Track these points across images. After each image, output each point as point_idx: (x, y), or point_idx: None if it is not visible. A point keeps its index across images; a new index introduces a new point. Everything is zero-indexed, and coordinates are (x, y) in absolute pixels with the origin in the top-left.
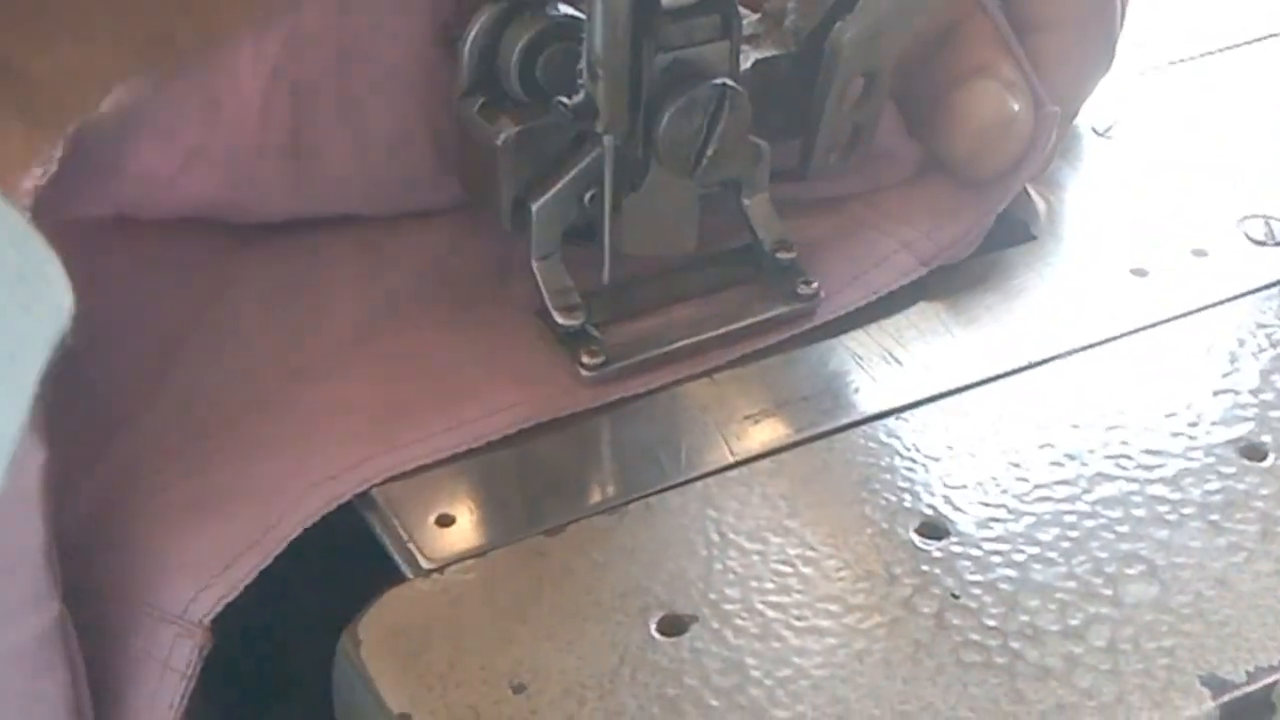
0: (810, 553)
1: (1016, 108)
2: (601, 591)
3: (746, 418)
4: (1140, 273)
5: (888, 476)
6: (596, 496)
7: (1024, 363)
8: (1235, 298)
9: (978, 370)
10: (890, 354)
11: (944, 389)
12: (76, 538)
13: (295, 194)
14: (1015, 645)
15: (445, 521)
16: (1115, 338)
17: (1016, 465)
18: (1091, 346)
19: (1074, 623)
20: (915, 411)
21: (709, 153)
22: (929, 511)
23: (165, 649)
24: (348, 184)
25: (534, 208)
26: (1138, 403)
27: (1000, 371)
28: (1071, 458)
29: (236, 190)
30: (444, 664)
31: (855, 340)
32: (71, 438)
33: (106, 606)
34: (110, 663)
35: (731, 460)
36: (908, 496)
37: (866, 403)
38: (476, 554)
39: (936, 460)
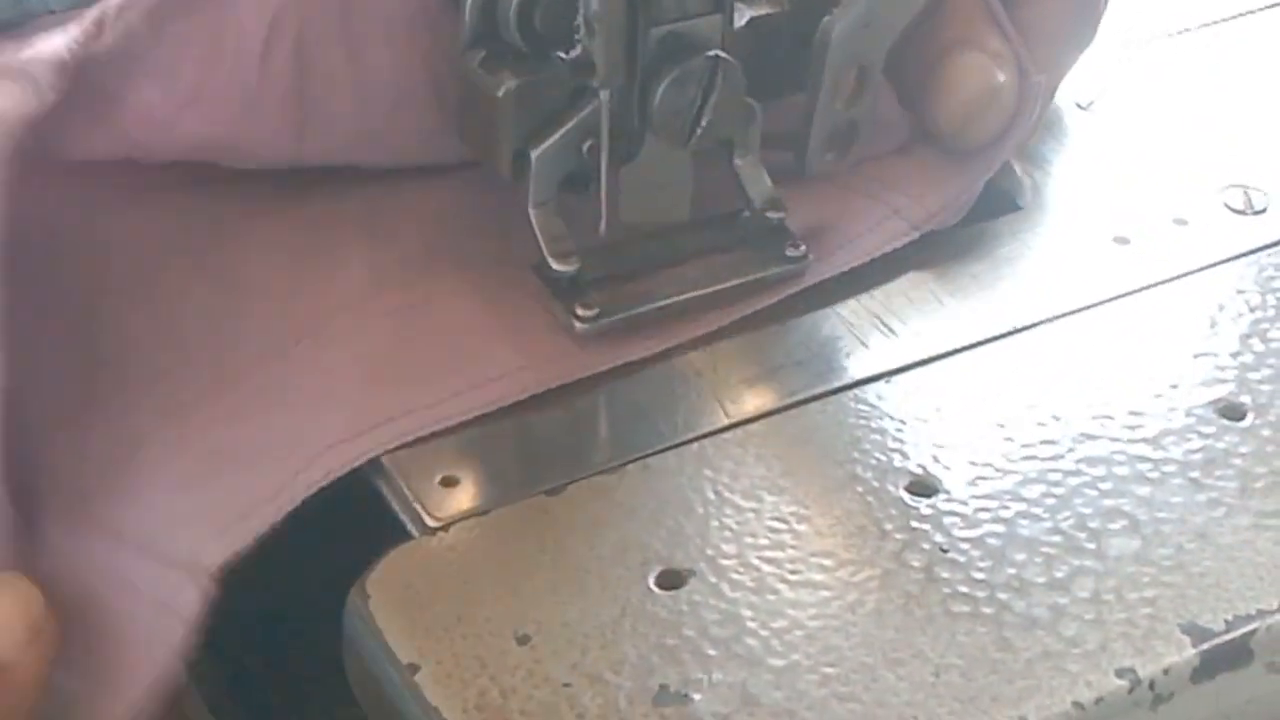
0: (803, 510)
1: (1002, 78)
2: (602, 547)
3: (741, 381)
4: (1122, 241)
5: (878, 437)
6: (596, 457)
7: (1010, 328)
8: (1215, 265)
9: (965, 335)
10: (881, 320)
11: (932, 353)
12: (87, 479)
13: (297, 140)
14: (1002, 596)
15: (450, 482)
16: (1098, 303)
17: (1003, 426)
18: (1075, 312)
19: (1059, 575)
20: (905, 375)
21: (703, 123)
22: (918, 470)
23: (172, 593)
24: (350, 133)
25: (533, 155)
26: (1120, 366)
27: (987, 337)
28: (1056, 418)
29: (237, 134)
30: (450, 617)
31: (847, 308)
32: (83, 378)
33: (116, 549)
34: (116, 605)
35: (726, 422)
36: (897, 456)
37: (857, 367)
38: (480, 513)
39: (925, 422)
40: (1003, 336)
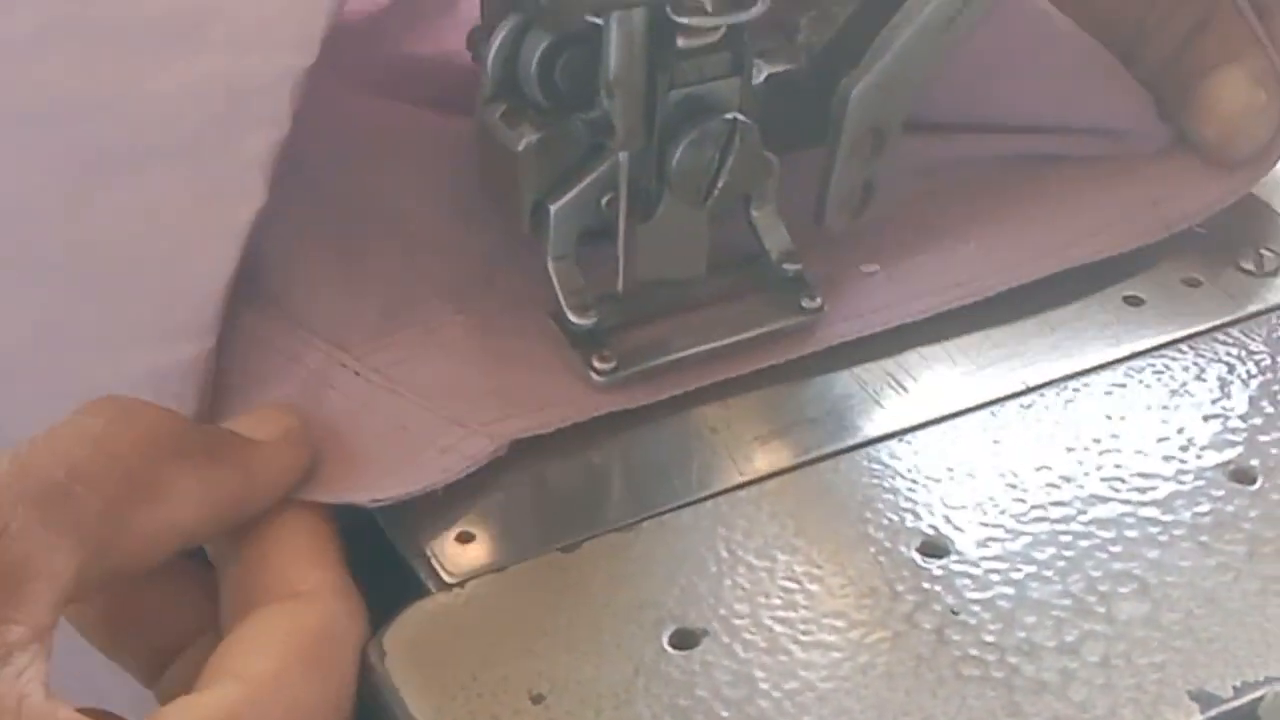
0: (816, 570)
1: (1264, 96)
2: (617, 605)
3: (755, 439)
4: (1135, 301)
5: (890, 497)
6: (611, 514)
7: (1021, 386)
8: (1227, 325)
9: (977, 395)
10: (893, 378)
11: (945, 412)
12: (359, 332)
13: None
14: (1012, 660)
15: (465, 538)
16: (1110, 364)
17: (1014, 486)
18: (1087, 372)
19: (1069, 639)
20: (916, 434)
21: (720, 184)
22: (930, 531)
23: (457, 441)
24: None
25: (552, 209)
26: (1131, 427)
27: (999, 396)
28: (1067, 480)
29: None
30: (466, 674)
31: (860, 365)
32: (355, 245)
33: (394, 399)
34: (391, 446)
35: (740, 480)
36: (909, 516)
37: (870, 426)
38: (496, 569)
39: (937, 481)
40: (1015, 396)
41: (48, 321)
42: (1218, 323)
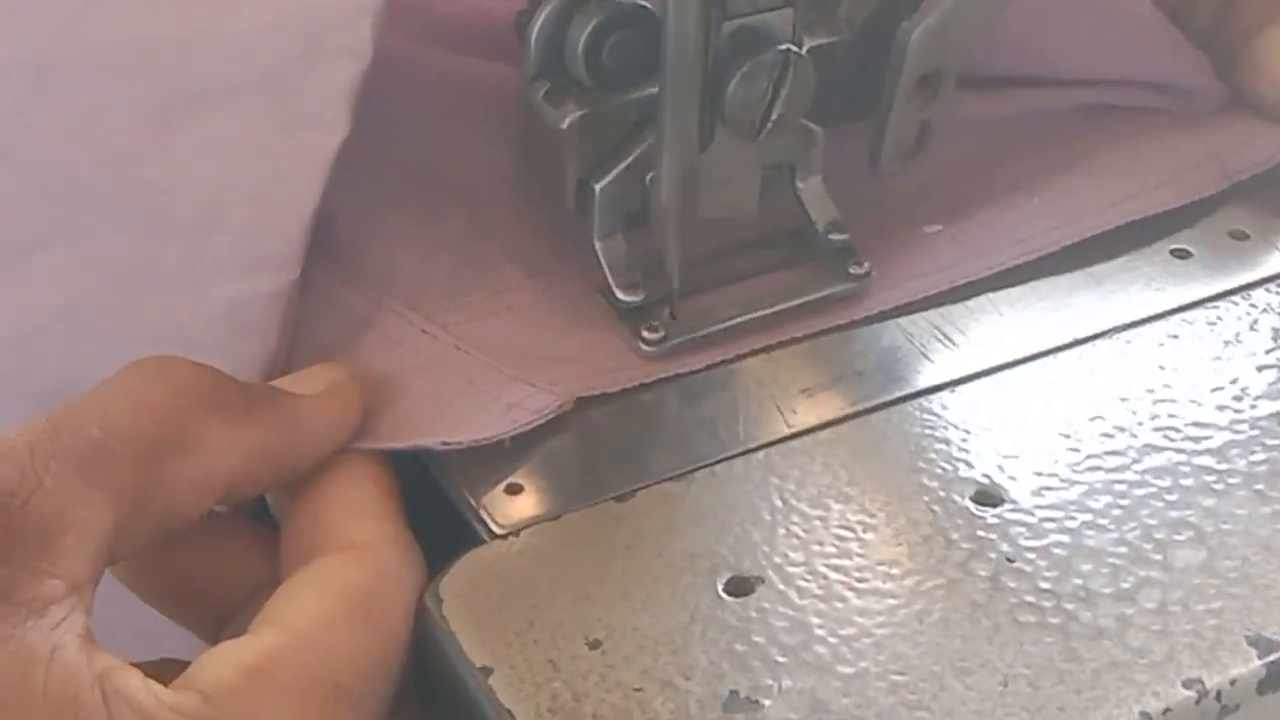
0: (869, 518)
1: None
2: (671, 554)
3: (803, 391)
4: (1183, 254)
5: (943, 447)
6: (662, 465)
7: (1070, 339)
8: (1277, 278)
9: (1026, 347)
10: (940, 331)
11: (994, 364)
12: (432, 293)
13: None
14: (1069, 607)
15: (515, 489)
16: (1162, 314)
17: (1067, 436)
18: (1138, 323)
19: (1125, 586)
20: (968, 386)
21: (773, 117)
22: (984, 480)
23: (524, 398)
24: None
25: (598, 188)
26: (1184, 378)
27: (1049, 347)
28: (1121, 429)
29: None
30: (522, 621)
31: (907, 319)
32: (431, 209)
33: (457, 355)
34: (454, 399)
35: (789, 432)
36: (963, 466)
37: (920, 377)
38: (550, 518)
39: (989, 432)
40: (1065, 348)
41: (126, 263)
42: (1268, 274)
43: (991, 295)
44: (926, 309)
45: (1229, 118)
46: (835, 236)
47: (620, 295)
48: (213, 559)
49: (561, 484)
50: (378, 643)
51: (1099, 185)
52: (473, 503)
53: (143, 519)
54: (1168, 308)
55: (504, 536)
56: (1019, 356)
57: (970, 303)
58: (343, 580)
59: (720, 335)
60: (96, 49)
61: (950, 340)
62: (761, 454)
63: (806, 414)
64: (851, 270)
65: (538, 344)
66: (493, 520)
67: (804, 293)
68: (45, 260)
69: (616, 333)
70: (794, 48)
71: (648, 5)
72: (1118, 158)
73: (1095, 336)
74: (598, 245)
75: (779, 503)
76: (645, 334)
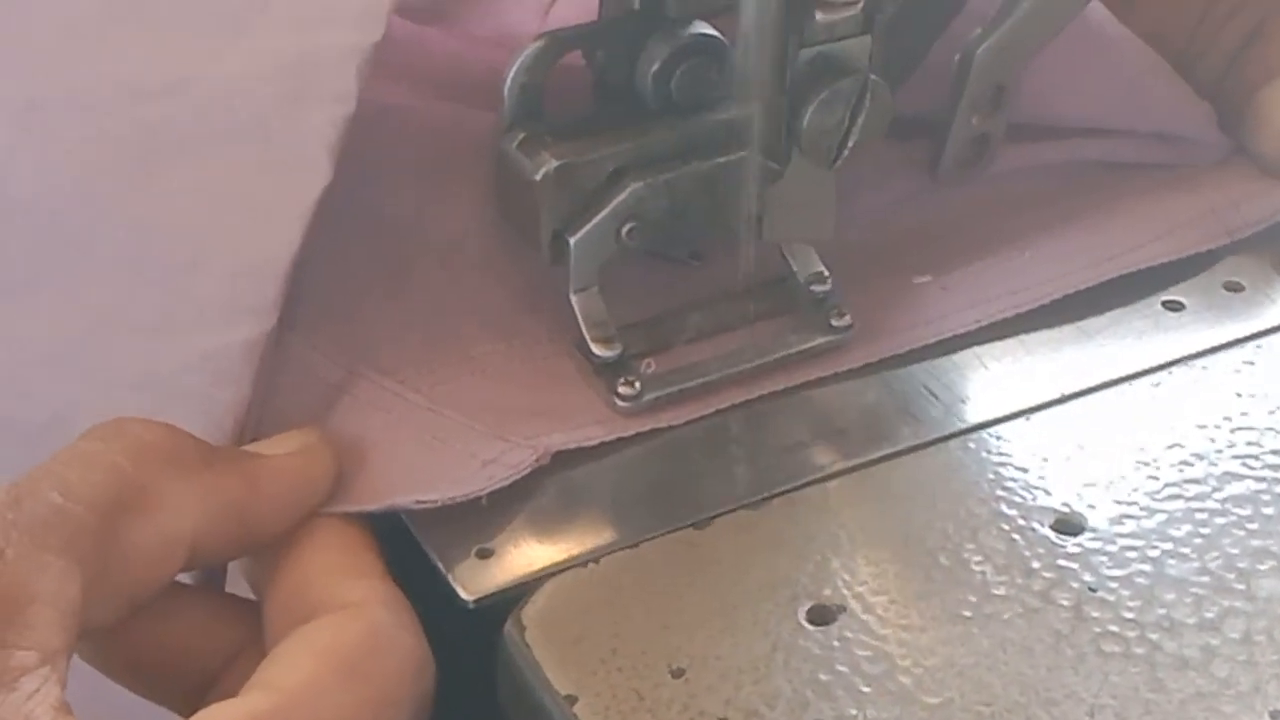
0: (950, 547)
1: None
2: (750, 582)
3: (784, 449)
4: (1175, 306)
5: (1022, 475)
6: (737, 492)
7: (1095, 383)
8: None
9: (1052, 391)
10: (927, 387)
11: (1074, 390)
12: (405, 350)
13: None
14: (1153, 636)
15: (485, 554)
16: (1236, 342)
17: (1146, 465)
18: (1213, 351)
19: (1209, 615)
20: (1046, 413)
21: (850, 144)
22: (1063, 509)
23: (502, 454)
24: None
25: (572, 241)
26: (1263, 405)
27: (1074, 392)
28: (1200, 458)
29: None
30: (605, 649)
31: (892, 373)
32: (399, 263)
33: (432, 416)
34: (429, 458)
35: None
36: (1041, 494)
37: (995, 404)
38: (628, 546)
39: (1068, 460)
40: (1142, 374)
41: (108, 306)
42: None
43: (978, 349)
44: (913, 363)
45: (1230, 173)
46: (817, 288)
47: (595, 350)
48: (181, 630)
49: (533, 547)
50: (368, 702)
51: (1094, 239)
52: (442, 568)
53: (109, 584)
54: (1159, 361)
55: (585, 563)
56: (1099, 382)
57: (956, 356)
58: (335, 639)
59: (699, 390)
60: (82, 91)
61: (935, 395)
62: (837, 481)
63: (787, 470)
64: (833, 323)
65: (512, 402)
66: (462, 587)
67: (785, 346)
68: (31, 302)
69: (593, 387)
70: (872, 75)
71: (717, 34)
72: (1116, 211)
73: (1170, 363)
74: (573, 299)
75: (857, 530)
76: (621, 389)
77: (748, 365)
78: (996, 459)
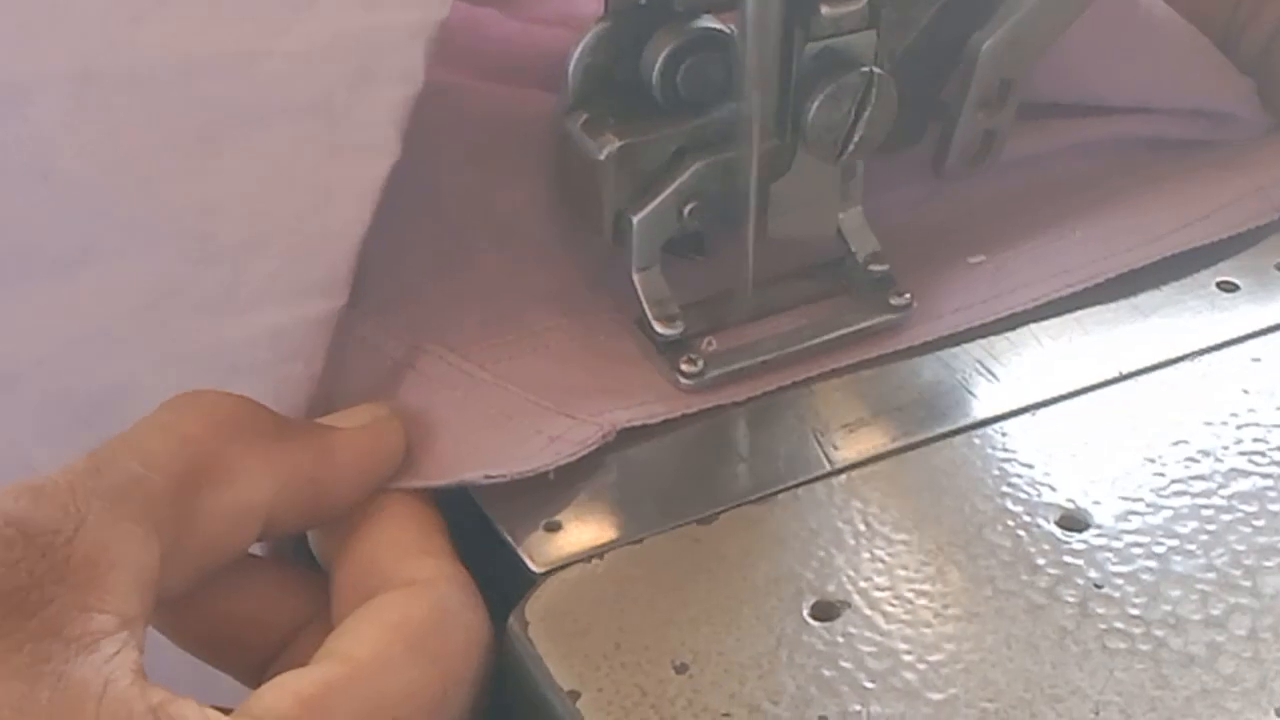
0: (954, 543)
1: None
2: (755, 577)
3: (844, 426)
4: (1229, 286)
5: (1026, 471)
6: (743, 487)
7: (1151, 363)
8: None
9: (1109, 370)
10: (983, 365)
11: (1076, 388)
12: (466, 330)
13: None
14: (1159, 633)
15: (553, 527)
16: (1242, 338)
17: (1152, 461)
18: (1218, 347)
19: (1215, 612)
20: (1050, 409)
21: (855, 139)
22: (1068, 505)
23: (567, 430)
24: None
25: (635, 220)
26: (1270, 402)
27: (1130, 371)
28: (1206, 454)
29: None
30: (608, 644)
31: (948, 352)
32: (462, 249)
33: (498, 391)
34: (495, 435)
35: (830, 468)
36: (1046, 490)
37: (1002, 399)
38: (631, 542)
39: (1073, 456)
40: (1145, 371)
41: (168, 281)
42: None
43: (1034, 327)
44: (968, 341)
45: (1275, 150)
46: (875, 268)
47: (658, 329)
48: (250, 601)
49: (601, 521)
50: (437, 675)
51: (1143, 218)
52: (511, 542)
53: (184, 553)
54: (1214, 341)
55: (588, 559)
56: (1102, 379)
57: (1012, 335)
58: (404, 614)
59: (759, 368)
60: (144, 65)
61: (992, 374)
62: (843, 477)
63: (847, 449)
64: (892, 301)
65: (576, 379)
66: (531, 559)
67: (844, 324)
68: (85, 276)
69: (655, 366)
70: (877, 70)
71: (723, 28)
72: (1162, 190)
73: (1178, 359)
74: (635, 278)
75: (862, 526)
76: (683, 367)
77: (807, 343)
78: (1002, 455)
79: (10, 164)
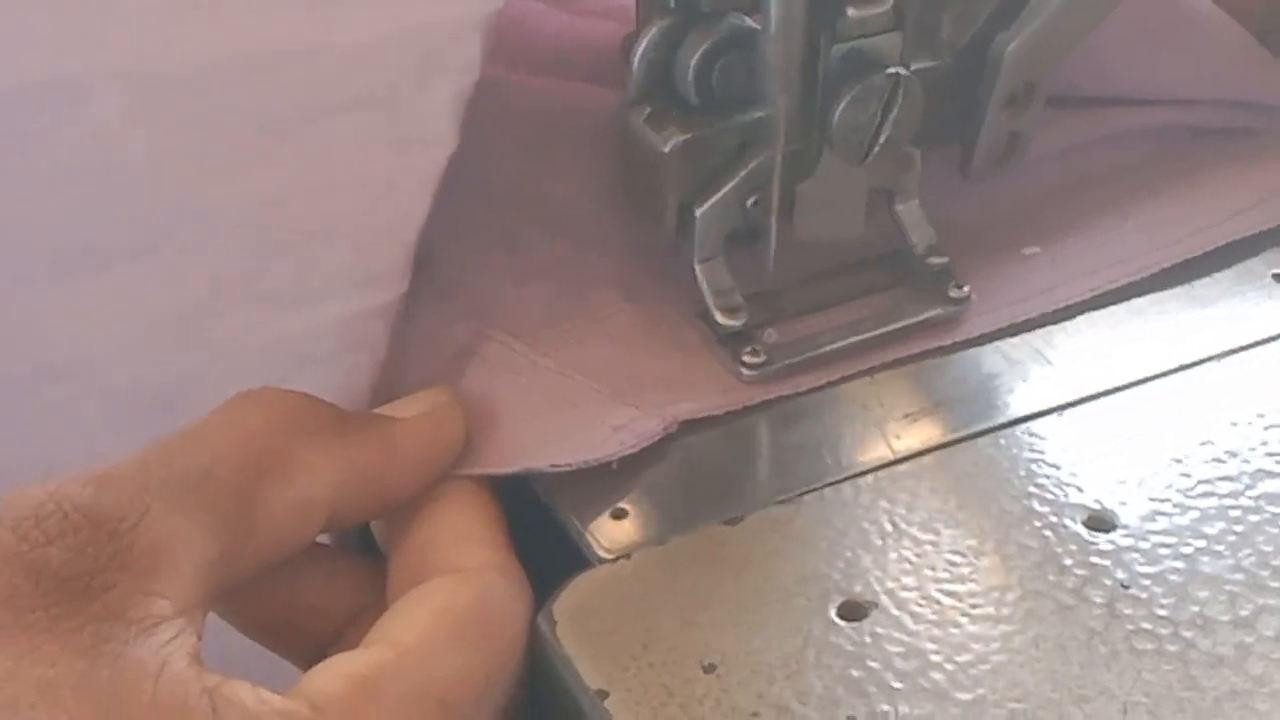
0: (981, 543)
1: None
2: (781, 578)
3: (906, 415)
4: None
5: (1052, 472)
6: (768, 489)
7: (1177, 364)
8: None
9: (1130, 372)
10: (1042, 355)
11: (1101, 389)
12: (530, 319)
13: None
14: (1187, 634)
15: (620, 514)
16: (1269, 339)
17: (1178, 461)
18: (1245, 348)
19: (1244, 613)
20: (1076, 410)
21: (881, 140)
22: (1095, 505)
23: (631, 421)
24: None
25: (699, 212)
26: None
27: (1156, 372)
28: (1232, 454)
29: None
30: (636, 644)
31: (1008, 343)
32: (524, 237)
33: (562, 380)
34: (556, 421)
35: (894, 456)
36: (1073, 491)
37: (1025, 402)
38: (657, 542)
39: (1100, 457)
40: (1171, 372)
41: (232, 275)
42: None
43: (1092, 316)
44: (1026, 331)
45: None
46: (934, 260)
47: (721, 320)
48: (312, 588)
49: (666, 508)
50: (481, 663)
51: (1190, 207)
52: (580, 527)
53: (247, 546)
54: (1274, 332)
55: (613, 560)
56: (1124, 381)
57: (1070, 325)
58: (450, 600)
59: (821, 359)
60: (206, 61)
61: (1051, 364)
62: (870, 478)
63: (911, 438)
64: (951, 293)
65: (639, 368)
66: (599, 545)
67: (904, 316)
68: (149, 269)
69: (717, 357)
70: (903, 71)
71: (758, 27)
72: (1208, 178)
73: (1202, 361)
74: (698, 269)
75: (889, 527)
76: (746, 358)
77: (867, 335)
78: (1028, 455)
79: (72, 160)
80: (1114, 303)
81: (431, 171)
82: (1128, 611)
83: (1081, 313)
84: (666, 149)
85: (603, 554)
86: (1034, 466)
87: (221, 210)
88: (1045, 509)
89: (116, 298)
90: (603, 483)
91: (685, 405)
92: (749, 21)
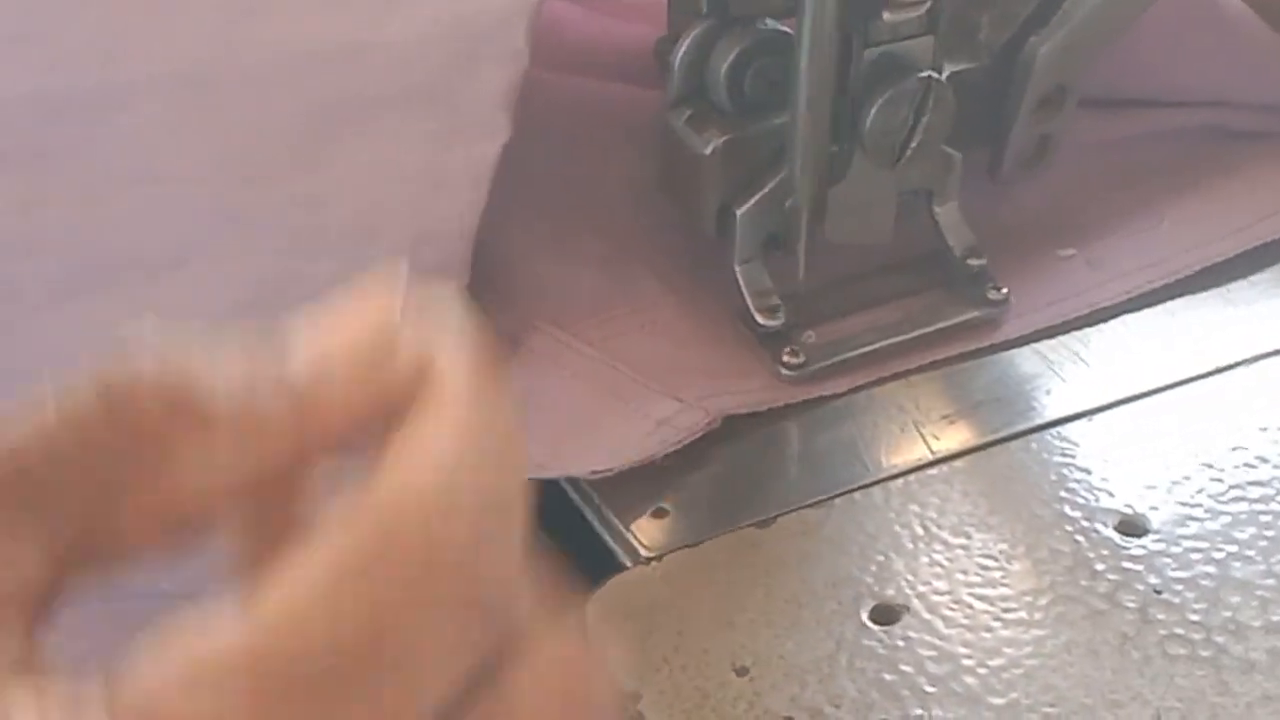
0: (1012, 547)
1: None
2: (814, 581)
3: (944, 417)
4: None
5: (1084, 476)
6: (801, 492)
7: (1210, 368)
8: None
9: (1165, 375)
10: (1079, 357)
11: (1133, 393)
12: (575, 303)
13: None
14: (1219, 639)
15: (660, 514)
16: None
17: (1210, 466)
18: (1276, 352)
19: (1275, 619)
20: (1107, 414)
21: (913, 144)
22: (1127, 510)
23: (673, 415)
24: None
25: (739, 213)
26: None
27: (1188, 376)
28: (1264, 460)
29: None
30: (668, 646)
31: (1045, 345)
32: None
33: (606, 369)
34: (599, 412)
35: (930, 458)
36: (1104, 495)
37: (1058, 406)
38: (690, 544)
39: (1131, 462)
40: (1202, 377)
41: (281, 277)
42: None
43: (1128, 318)
44: (1063, 333)
45: None
46: (973, 261)
47: (759, 320)
48: None
49: (705, 508)
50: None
51: (1224, 207)
52: (621, 527)
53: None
54: None
55: (646, 561)
56: (1157, 385)
57: (1105, 327)
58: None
59: (859, 360)
60: (249, 63)
61: (1088, 365)
62: (901, 481)
63: (949, 440)
64: (989, 295)
65: (681, 360)
66: (640, 544)
67: (942, 318)
68: (187, 273)
69: (756, 356)
70: (935, 75)
71: (790, 32)
72: (1240, 178)
73: (1233, 365)
74: (737, 270)
75: (920, 530)
76: (786, 359)
77: (906, 336)
78: (1059, 460)
79: (110, 168)
80: (1149, 305)
81: (484, 163)
82: (1160, 616)
83: (1117, 315)
84: (707, 151)
85: (644, 552)
86: (1065, 471)
87: (263, 213)
88: (1077, 513)
89: (154, 305)
90: (644, 482)
91: (728, 399)
92: (781, 26)
